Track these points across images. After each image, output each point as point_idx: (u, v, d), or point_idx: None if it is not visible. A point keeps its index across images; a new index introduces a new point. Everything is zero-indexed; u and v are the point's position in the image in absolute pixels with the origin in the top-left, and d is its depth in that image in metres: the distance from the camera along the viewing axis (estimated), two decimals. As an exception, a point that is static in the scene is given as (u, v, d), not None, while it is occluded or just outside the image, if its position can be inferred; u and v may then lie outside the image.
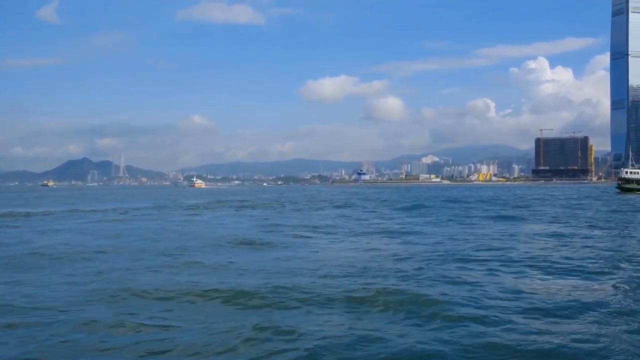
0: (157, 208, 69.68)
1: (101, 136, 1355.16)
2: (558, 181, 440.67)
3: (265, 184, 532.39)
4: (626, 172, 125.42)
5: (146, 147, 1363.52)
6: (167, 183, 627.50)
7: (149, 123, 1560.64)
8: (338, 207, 71.97)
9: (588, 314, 13.29)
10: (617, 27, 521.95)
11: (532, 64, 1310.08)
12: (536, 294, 15.50)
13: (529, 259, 21.83)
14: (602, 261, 21.25)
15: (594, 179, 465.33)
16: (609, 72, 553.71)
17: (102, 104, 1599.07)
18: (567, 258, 22.02)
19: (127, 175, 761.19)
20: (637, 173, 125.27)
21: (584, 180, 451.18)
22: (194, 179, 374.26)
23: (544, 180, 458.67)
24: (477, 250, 24.49)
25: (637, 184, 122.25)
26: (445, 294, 15.19)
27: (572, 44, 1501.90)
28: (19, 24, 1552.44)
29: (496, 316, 13.07)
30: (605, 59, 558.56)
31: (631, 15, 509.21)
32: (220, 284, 16.51)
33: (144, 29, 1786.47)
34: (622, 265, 20.47)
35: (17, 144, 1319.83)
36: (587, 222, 41.98)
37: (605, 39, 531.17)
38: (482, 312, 13.38)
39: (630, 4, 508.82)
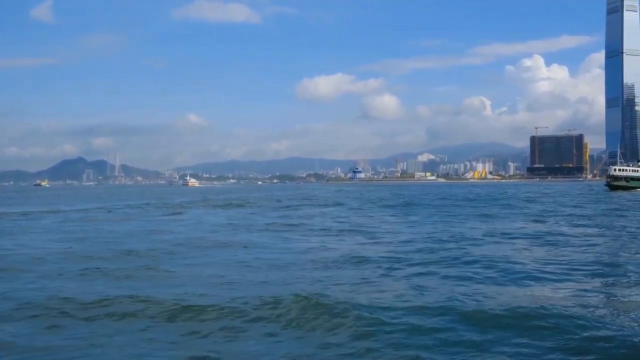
0: (141, 207, 69.50)
1: (97, 136, 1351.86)
2: (553, 179, 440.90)
3: (259, 183, 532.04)
4: (615, 170, 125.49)
5: (142, 147, 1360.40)
6: (163, 182, 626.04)
7: (145, 122, 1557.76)
8: (325, 205, 71.92)
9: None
10: (611, 26, 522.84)
11: (527, 62, 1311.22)
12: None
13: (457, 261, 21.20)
14: (556, 264, 20.41)
15: (589, 176, 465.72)
16: (604, 70, 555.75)
17: (97, 104, 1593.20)
18: (519, 262, 21.10)
19: (122, 175, 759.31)
20: (626, 170, 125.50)
21: (579, 178, 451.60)
22: (188, 177, 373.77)
23: (539, 178, 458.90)
24: (418, 252, 24.12)
25: (626, 181, 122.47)
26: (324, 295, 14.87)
27: (568, 42, 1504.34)
28: (13, 23, 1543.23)
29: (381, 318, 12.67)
30: (601, 57, 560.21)
31: (626, 14, 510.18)
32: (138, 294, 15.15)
33: (139, 29, 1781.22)
34: (572, 269, 19.32)
35: (12, 144, 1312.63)
36: (564, 220, 41.95)
37: (600, 37, 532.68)
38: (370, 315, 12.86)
39: (625, 3, 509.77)
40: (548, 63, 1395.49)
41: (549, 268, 19.38)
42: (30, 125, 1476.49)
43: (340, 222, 42.74)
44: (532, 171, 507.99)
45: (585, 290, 15.63)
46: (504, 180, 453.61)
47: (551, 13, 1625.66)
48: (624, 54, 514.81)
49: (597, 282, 17.08)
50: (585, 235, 30.64)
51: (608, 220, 42.35)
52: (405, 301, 14.29)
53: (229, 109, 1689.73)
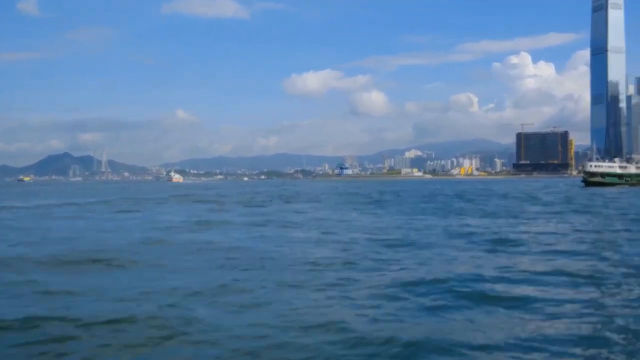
0: (106, 203, 68.93)
1: (84, 131, 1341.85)
2: (538, 175, 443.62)
3: (245, 179, 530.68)
4: (590, 166, 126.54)
5: (129, 142, 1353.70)
6: (150, 178, 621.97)
7: (133, 118, 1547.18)
8: (301, 202, 71.88)
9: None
10: (596, 23, 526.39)
11: (514, 59, 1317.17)
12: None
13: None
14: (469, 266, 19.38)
15: (574, 172, 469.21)
16: (589, 68, 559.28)
17: (84, 99, 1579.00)
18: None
19: (109, 170, 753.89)
20: (601, 166, 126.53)
21: (564, 174, 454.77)
22: (172, 173, 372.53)
23: (525, 174, 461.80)
24: (342, 250, 24.00)
25: (602, 177, 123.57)
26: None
27: (555, 39, 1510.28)
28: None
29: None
30: (587, 54, 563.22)
31: (610, 12, 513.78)
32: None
33: (127, 23, 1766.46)
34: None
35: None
36: (519, 217, 42.21)
37: (586, 35, 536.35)
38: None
39: (610, 0, 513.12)
40: (535, 60, 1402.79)
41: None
42: (17, 119, 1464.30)
43: (295, 218, 42.67)
44: (518, 167, 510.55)
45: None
46: (490, 177, 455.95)
47: (539, 10, 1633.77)
48: (609, 52, 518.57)
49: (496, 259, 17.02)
50: (525, 232, 30.87)
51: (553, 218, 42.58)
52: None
53: (217, 105, 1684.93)
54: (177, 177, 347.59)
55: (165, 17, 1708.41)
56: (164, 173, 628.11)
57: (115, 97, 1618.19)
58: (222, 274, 17.70)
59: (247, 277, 17.07)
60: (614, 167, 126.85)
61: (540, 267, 18.31)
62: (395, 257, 20.99)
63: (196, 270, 18.50)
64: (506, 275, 17.09)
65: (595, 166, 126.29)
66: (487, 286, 15.34)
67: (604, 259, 20.23)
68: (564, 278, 16.47)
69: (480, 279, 16.35)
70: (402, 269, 18.31)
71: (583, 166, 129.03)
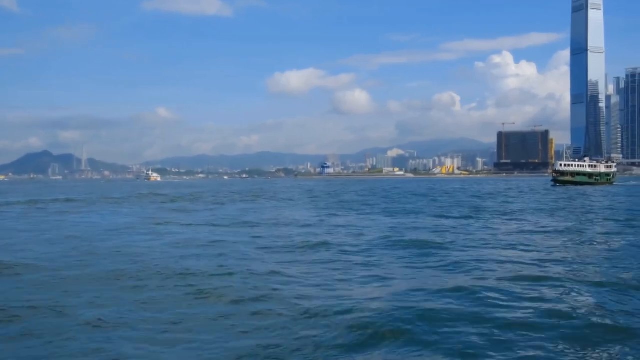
0: (69, 201, 67.45)
1: (64, 129, 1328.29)
2: (519, 174, 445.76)
3: (225, 178, 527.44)
4: (560, 165, 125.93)
5: (110, 140, 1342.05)
6: (131, 176, 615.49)
7: (114, 116, 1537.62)
8: (269, 199, 70.40)
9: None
10: (577, 23, 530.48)
11: (496, 59, 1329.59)
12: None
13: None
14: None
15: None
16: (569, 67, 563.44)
17: (64, 96, 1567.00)
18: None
19: (89, 169, 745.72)
20: (571, 166, 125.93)
21: (545, 173, 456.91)
22: (150, 172, 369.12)
23: (506, 173, 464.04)
24: (260, 250, 22.37)
25: (572, 176, 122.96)
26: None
27: (537, 39, 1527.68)
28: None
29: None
30: (568, 54, 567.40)
31: (590, 12, 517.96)
32: None
33: (108, 20, 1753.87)
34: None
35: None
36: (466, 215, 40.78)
37: (567, 35, 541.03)
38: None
39: (590, 1, 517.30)
40: (517, 60, 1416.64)
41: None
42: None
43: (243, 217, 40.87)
44: (499, 167, 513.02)
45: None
46: (471, 176, 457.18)
47: (521, 10, 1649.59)
48: (589, 52, 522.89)
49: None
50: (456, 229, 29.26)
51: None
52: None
53: (199, 103, 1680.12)
54: (154, 176, 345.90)
55: (147, 14, 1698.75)
56: (145, 172, 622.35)
57: (96, 95, 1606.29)
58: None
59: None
60: (584, 166, 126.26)
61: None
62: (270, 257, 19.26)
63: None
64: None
65: (565, 165, 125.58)
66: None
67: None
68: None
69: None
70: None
71: (553, 165, 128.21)
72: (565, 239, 25.58)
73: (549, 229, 30.32)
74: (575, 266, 18.01)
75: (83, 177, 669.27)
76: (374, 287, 15.07)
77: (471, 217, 38.62)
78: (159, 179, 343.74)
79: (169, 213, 46.45)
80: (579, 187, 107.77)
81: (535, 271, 17.03)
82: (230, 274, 16.76)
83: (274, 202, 66.55)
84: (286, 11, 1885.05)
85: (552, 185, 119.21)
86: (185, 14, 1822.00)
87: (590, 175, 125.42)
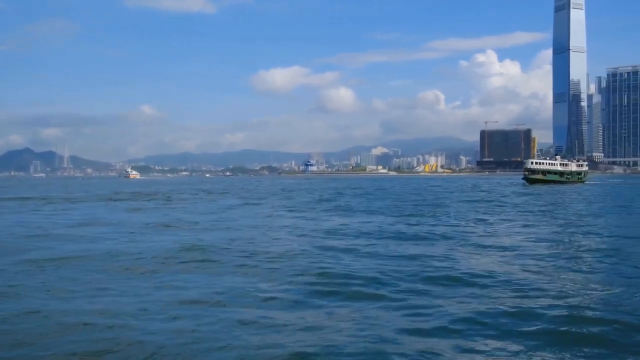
0: (25, 199, 66.52)
1: (46, 126, 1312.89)
2: (502, 172, 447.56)
3: (207, 175, 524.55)
4: (532, 163, 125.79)
5: (93, 138, 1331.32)
6: (114, 174, 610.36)
7: (97, 113, 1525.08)
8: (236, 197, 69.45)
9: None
10: (559, 23, 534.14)
11: (481, 57, 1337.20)
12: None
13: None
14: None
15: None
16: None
17: (46, 93, 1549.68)
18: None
19: (71, 166, 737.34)
20: (543, 164, 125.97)
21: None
22: (129, 170, 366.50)
23: (489, 171, 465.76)
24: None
25: (543, 175, 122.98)
26: None
27: (521, 38, 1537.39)
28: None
29: None
30: (551, 53, 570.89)
31: (572, 12, 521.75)
32: None
33: (90, 17, 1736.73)
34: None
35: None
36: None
37: (551, 34, 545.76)
38: None
39: (572, 0, 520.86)
40: (502, 59, 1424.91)
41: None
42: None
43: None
44: (481, 165, 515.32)
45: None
46: (454, 174, 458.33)
47: (506, 9, 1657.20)
48: (571, 51, 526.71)
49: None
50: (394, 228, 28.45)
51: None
52: None
53: (183, 101, 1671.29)
54: (134, 174, 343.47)
55: (130, 10, 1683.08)
56: (125, 170, 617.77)
57: (78, 92, 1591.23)
58: None
59: None
60: (555, 164, 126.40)
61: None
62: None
63: None
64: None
65: (536, 164, 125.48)
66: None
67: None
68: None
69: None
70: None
71: (525, 164, 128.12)
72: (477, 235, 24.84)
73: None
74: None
75: (65, 174, 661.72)
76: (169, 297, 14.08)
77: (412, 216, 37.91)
78: (138, 176, 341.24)
79: (111, 213, 45.03)
80: (544, 186, 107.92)
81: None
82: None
83: (235, 200, 65.46)
84: (271, 9, 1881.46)
85: (524, 184, 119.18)
86: (169, 10, 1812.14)
87: (561, 173, 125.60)
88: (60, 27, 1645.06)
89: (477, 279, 15.51)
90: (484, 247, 22.37)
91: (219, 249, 21.86)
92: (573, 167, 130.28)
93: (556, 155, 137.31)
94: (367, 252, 20.86)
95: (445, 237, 25.85)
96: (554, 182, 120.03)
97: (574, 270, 17.11)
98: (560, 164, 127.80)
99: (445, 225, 31.35)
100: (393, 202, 56.14)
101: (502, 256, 19.84)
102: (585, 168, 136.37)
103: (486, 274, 16.27)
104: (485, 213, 41.16)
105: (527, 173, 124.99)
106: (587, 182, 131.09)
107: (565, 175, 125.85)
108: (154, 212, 44.43)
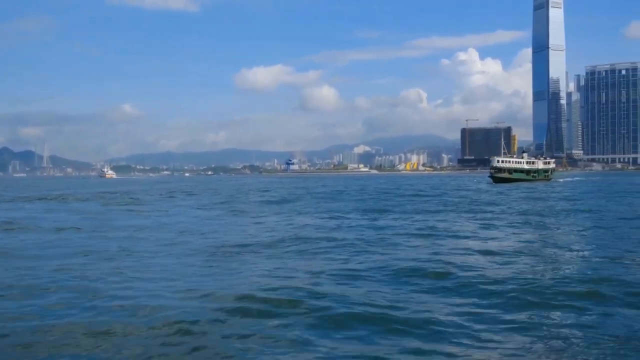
0: None
1: (24, 125, 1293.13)
2: (482, 170, 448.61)
3: (187, 175, 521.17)
4: (498, 161, 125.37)
5: (73, 137, 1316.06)
6: (94, 173, 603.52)
7: (77, 112, 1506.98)
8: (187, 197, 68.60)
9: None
10: (538, 21, 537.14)
11: (462, 56, 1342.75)
12: None
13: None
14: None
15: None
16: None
17: (24, 92, 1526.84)
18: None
19: (51, 166, 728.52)
20: (509, 162, 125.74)
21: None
22: (105, 169, 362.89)
23: (470, 169, 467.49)
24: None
25: (509, 173, 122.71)
26: None
27: (503, 36, 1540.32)
28: None
29: None
30: (531, 51, 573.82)
31: (551, 10, 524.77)
32: None
33: (69, 13, 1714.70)
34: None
35: None
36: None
37: (531, 33, 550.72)
38: None
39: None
40: (484, 57, 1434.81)
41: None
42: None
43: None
44: (462, 163, 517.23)
45: None
46: (435, 172, 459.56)
47: (488, 8, 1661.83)
48: (550, 49, 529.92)
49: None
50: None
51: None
52: None
53: (165, 99, 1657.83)
54: (109, 173, 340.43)
55: (111, 7, 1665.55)
56: (100, 169, 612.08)
57: (58, 90, 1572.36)
58: None
59: None
60: (522, 162, 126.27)
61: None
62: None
63: None
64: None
65: (503, 162, 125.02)
66: None
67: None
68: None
69: None
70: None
71: (491, 162, 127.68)
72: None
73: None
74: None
75: (45, 174, 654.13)
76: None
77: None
78: (114, 176, 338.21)
79: (41, 213, 43.63)
80: (506, 184, 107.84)
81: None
82: None
83: (191, 200, 64.25)
84: (254, 7, 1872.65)
85: (489, 183, 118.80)
86: (151, 9, 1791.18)
87: (527, 172, 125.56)
88: (38, 23, 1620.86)
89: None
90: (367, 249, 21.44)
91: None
92: (540, 165, 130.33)
93: (523, 153, 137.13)
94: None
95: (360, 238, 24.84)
96: (521, 180, 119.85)
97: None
98: (527, 162, 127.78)
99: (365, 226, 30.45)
100: (343, 203, 55.01)
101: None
102: (552, 166, 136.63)
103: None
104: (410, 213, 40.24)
105: (493, 171, 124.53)
106: (553, 179, 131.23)
107: (532, 174, 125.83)
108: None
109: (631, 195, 63.45)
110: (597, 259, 18.75)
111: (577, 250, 21.29)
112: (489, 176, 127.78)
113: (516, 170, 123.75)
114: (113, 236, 27.12)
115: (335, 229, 29.54)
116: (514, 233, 27.36)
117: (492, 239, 25.04)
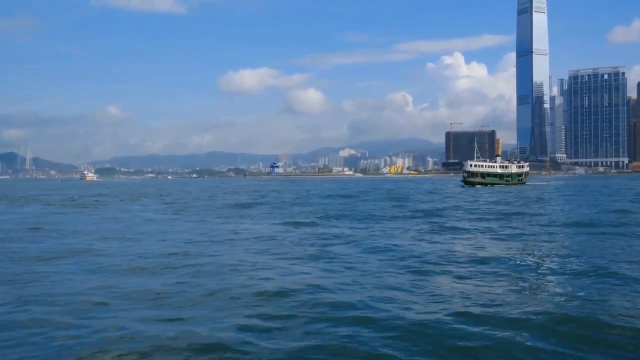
0: None
1: (7, 126, 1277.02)
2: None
3: (169, 177, 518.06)
4: (470, 165, 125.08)
5: (57, 139, 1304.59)
6: (77, 176, 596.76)
7: (61, 113, 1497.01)
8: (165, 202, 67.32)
9: None
10: (522, 26, 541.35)
11: (448, 60, 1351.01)
12: None
13: None
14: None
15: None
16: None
17: (7, 93, 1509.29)
18: None
19: (34, 168, 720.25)
20: (482, 166, 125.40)
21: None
22: (86, 172, 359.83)
23: (454, 172, 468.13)
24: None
25: (482, 177, 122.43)
26: None
27: (489, 40, 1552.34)
28: None
29: None
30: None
31: (535, 15, 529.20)
32: None
33: (53, 14, 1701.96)
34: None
35: None
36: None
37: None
38: None
39: (534, 4, 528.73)
40: (469, 61, 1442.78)
41: None
42: None
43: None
44: (447, 166, 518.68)
45: None
46: (419, 175, 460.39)
47: (474, 12, 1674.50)
48: (534, 53, 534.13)
49: None
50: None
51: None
52: None
53: (150, 101, 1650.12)
54: (90, 176, 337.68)
55: (95, 9, 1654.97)
56: (92, 171, 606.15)
57: (42, 92, 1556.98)
58: None
59: None
60: (495, 166, 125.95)
61: None
62: None
63: None
64: None
65: (475, 165, 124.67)
66: None
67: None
68: None
69: None
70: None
71: (464, 166, 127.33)
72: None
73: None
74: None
75: (27, 176, 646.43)
76: None
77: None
78: (94, 178, 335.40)
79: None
80: (477, 187, 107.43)
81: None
82: None
83: (158, 205, 62.85)
84: (241, 10, 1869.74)
85: (462, 186, 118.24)
86: (137, 10, 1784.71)
87: (500, 176, 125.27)
88: (21, 24, 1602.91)
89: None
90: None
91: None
92: (513, 168, 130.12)
93: (496, 156, 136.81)
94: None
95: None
96: (494, 184, 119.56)
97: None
98: (500, 166, 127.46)
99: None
100: (300, 208, 53.91)
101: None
102: (526, 169, 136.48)
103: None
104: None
105: (465, 175, 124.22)
106: (527, 183, 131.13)
107: (505, 178, 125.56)
108: None
109: (596, 200, 62.48)
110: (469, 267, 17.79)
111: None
112: (461, 180, 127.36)
113: (489, 174, 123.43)
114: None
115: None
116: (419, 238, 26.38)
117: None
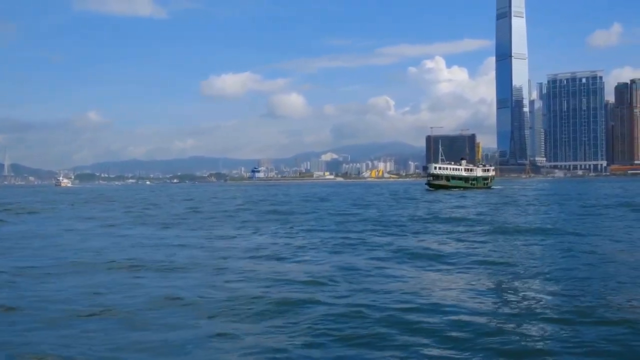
0: None
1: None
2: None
3: (148, 183, 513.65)
4: (435, 168, 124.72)
5: (36, 145, 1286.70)
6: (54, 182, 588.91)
7: (40, 119, 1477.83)
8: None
9: None
10: (501, 30, 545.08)
11: (429, 64, 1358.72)
12: None
13: None
14: None
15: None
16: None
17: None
18: None
19: (12, 175, 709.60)
20: (446, 169, 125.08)
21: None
22: (61, 178, 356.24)
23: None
24: None
25: (446, 180, 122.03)
26: None
27: (470, 44, 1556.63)
28: None
29: None
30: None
31: (513, 19, 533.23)
32: None
33: (33, 19, 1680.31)
34: None
35: None
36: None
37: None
38: None
39: (513, 8, 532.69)
40: (451, 65, 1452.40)
41: None
42: None
43: None
44: (427, 170, 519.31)
45: None
46: (400, 179, 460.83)
47: (456, 16, 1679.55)
48: (513, 58, 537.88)
49: None
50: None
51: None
52: None
53: (131, 106, 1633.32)
54: (65, 182, 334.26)
55: (76, 14, 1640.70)
56: (72, 177, 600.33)
57: (20, 97, 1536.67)
58: None
59: None
60: (460, 169, 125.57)
61: None
62: None
63: None
64: None
65: (440, 168, 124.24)
66: None
67: None
68: None
69: None
70: None
71: (428, 169, 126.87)
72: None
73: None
74: None
75: (6, 182, 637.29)
76: None
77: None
78: (69, 184, 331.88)
79: None
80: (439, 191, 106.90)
81: None
82: None
83: (94, 211, 61.51)
84: (223, 14, 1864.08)
85: (427, 190, 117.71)
86: (118, 15, 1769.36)
87: (466, 179, 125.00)
88: (1, 29, 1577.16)
89: None
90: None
91: None
92: (479, 172, 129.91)
93: (462, 159, 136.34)
94: None
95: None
96: (458, 187, 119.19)
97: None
98: (465, 169, 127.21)
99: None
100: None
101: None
102: (491, 173, 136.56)
103: None
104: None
105: (430, 179, 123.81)
106: (493, 187, 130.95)
107: (470, 181, 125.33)
108: None
109: (550, 207, 60.80)
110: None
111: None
112: (425, 183, 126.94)
113: (454, 178, 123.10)
114: None
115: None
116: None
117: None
